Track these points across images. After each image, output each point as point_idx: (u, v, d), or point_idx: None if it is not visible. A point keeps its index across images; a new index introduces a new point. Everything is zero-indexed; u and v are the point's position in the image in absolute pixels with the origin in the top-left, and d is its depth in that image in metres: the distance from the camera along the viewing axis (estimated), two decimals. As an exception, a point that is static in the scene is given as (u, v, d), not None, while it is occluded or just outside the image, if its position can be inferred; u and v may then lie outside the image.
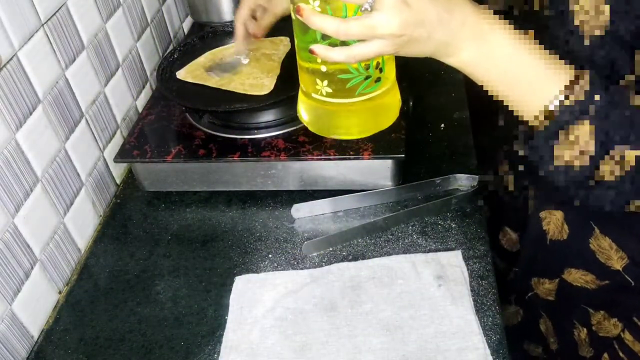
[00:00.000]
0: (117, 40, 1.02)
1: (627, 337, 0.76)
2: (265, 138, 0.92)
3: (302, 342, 0.73)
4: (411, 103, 1.00)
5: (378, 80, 0.63)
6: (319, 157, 0.88)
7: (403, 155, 0.87)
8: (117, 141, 1.02)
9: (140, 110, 1.09)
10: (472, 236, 0.83)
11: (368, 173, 0.90)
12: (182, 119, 0.99)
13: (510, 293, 0.92)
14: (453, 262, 0.80)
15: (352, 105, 0.64)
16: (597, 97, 0.54)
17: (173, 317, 0.79)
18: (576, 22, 0.59)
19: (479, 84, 0.59)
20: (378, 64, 0.61)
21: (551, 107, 0.55)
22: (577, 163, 0.56)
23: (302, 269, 0.82)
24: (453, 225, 0.85)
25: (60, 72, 0.87)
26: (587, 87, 0.54)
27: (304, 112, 0.69)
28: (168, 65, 1.03)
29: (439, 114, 1.04)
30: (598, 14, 0.58)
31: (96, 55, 0.96)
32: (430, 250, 0.82)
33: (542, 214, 0.80)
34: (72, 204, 0.89)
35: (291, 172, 0.91)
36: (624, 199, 0.58)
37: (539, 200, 0.81)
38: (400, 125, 0.91)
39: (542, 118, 0.56)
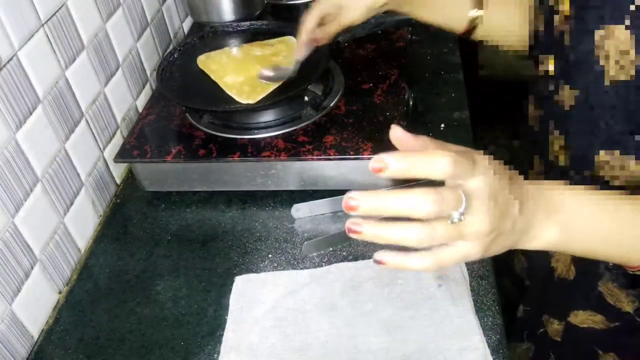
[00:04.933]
0: (117, 40, 1.02)
1: None
2: (265, 138, 0.92)
3: (302, 342, 0.73)
4: (411, 103, 1.00)
5: None
6: (319, 157, 0.88)
7: (403, 155, 0.87)
8: (117, 141, 1.02)
9: (140, 110, 1.09)
10: (472, 236, 0.83)
11: (368, 173, 0.89)
12: (182, 119, 0.99)
13: (521, 330, 0.90)
14: (453, 262, 0.79)
15: None
16: None
17: (173, 317, 0.79)
18: (601, 63, 0.59)
19: (579, 255, 0.56)
20: None
21: None
22: None
23: (302, 269, 0.82)
24: (453, 225, 0.85)
25: (60, 72, 0.87)
26: None
27: None
28: (168, 65, 1.03)
29: (439, 114, 1.04)
30: (625, 60, 0.57)
31: (96, 55, 0.96)
32: (430, 250, 0.82)
33: (551, 251, 0.78)
34: (72, 204, 0.89)
35: (291, 172, 0.91)
36: None
37: None
38: (401, 125, 0.91)
39: None
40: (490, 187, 0.46)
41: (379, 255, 0.48)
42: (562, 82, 0.66)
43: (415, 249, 0.47)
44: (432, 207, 0.45)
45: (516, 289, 0.93)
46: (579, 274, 0.75)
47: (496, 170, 0.48)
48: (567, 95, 0.66)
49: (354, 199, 0.46)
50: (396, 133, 0.49)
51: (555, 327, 0.82)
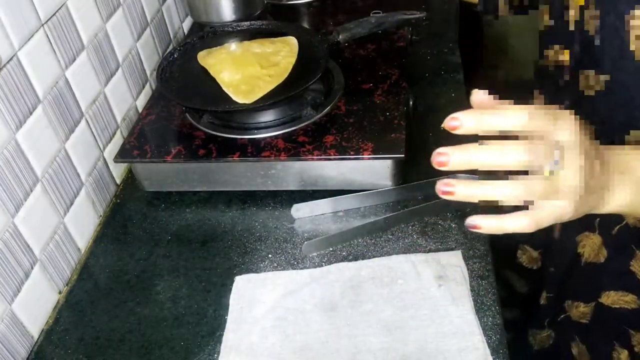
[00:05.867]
0: (117, 40, 1.02)
1: None
2: (265, 138, 0.92)
3: (302, 342, 0.73)
4: (411, 103, 1.00)
5: None
6: (319, 157, 0.88)
7: (403, 155, 0.87)
8: (117, 141, 1.02)
9: (140, 110, 1.09)
10: (472, 236, 0.83)
11: (368, 173, 0.90)
12: (182, 119, 0.99)
13: (543, 317, 0.91)
14: (453, 262, 0.80)
15: None
16: None
17: (173, 317, 0.79)
18: (632, 47, 0.60)
19: None
20: None
21: None
22: None
23: (302, 269, 0.82)
24: (453, 225, 0.85)
25: (60, 72, 0.87)
26: None
27: None
28: (168, 65, 1.03)
29: (439, 114, 1.03)
30: None
31: (96, 55, 0.96)
32: (430, 250, 0.82)
33: (578, 237, 0.78)
34: (72, 204, 0.89)
35: (291, 172, 0.91)
36: None
37: (572, 227, 0.78)
38: (400, 125, 0.91)
39: None
40: (581, 142, 0.46)
41: (473, 219, 0.48)
42: (586, 68, 0.67)
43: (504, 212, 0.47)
44: (523, 156, 0.44)
45: (528, 279, 0.93)
46: (611, 256, 0.75)
47: (582, 127, 0.47)
48: (592, 81, 0.67)
49: (444, 154, 0.46)
50: (478, 96, 0.49)
51: (581, 310, 0.82)
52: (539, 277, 0.90)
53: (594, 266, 0.77)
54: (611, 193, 0.51)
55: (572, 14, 0.67)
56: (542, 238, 0.86)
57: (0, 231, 0.74)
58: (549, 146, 0.45)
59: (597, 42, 0.65)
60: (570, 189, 0.46)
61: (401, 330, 0.73)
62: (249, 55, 1.01)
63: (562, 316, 0.85)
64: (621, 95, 0.65)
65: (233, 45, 1.06)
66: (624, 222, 0.71)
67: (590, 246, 0.77)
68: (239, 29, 1.11)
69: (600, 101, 0.67)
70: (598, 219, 0.73)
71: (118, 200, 0.99)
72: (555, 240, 0.83)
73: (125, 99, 1.06)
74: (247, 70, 0.98)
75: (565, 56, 0.70)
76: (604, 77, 0.66)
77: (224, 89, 0.95)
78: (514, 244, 0.94)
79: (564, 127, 0.46)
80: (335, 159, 0.88)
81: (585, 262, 0.78)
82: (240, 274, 0.82)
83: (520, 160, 0.44)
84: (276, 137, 0.92)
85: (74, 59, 0.90)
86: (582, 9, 0.66)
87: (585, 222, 0.74)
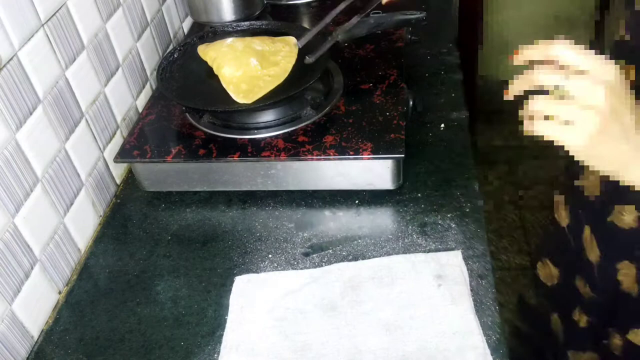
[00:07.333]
0: (117, 40, 1.02)
1: None
2: (265, 138, 0.92)
3: (302, 342, 0.73)
4: (411, 103, 1.01)
5: None
6: (319, 157, 0.88)
7: (403, 155, 0.87)
8: (117, 141, 1.02)
9: (140, 110, 1.09)
10: (472, 236, 0.84)
11: (368, 173, 0.90)
12: (182, 119, 0.99)
13: (584, 340, 0.90)
14: (453, 261, 0.80)
15: None
16: None
17: (173, 317, 0.79)
18: None
19: None
20: None
21: None
22: None
23: (302, 269, 0.82)
24: (453, 225, 0.85)
25: (60, 72, 0.87)
26: None
27: None
28: (168, 65, 1.03)
29: (439, 114, 1.04)
30: None
31: (96, 55, 0.96)
32: (430, 250, 0.82)
33: (619, 265, 0.78)
34: (72, 204, 0.89)
35: (291, 172, 0.91)
36: None
37: (610, 251, 0.79)
38: (400, 125, 0.92)
39: None
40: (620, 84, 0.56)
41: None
42: None
43: None
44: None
45: (541, 295, 0.93)
46: None
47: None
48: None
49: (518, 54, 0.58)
50: None
51: (616, 341, 0.82)
52: (554, 294, 0.89)
53: (629, 297, 0.77)
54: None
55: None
56: (568, 256, 0.85)
57: (0, 231, 0.74)
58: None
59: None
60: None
61: (401, 330, 0.73)
62: (249, 51, 1.01)
63: (605, 341, 0.84)
64: None
65: (235, 40, 1.05)
66: None
67: (630, 276, 0.77)
68: (239, 29, 1.11)
69: None
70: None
71: (118, 200, 0.99)
72: (595, 265, 0.83)
73: (125, 99, 1.06)
74: (249, 67, 0.97)
75: None
76: None
77: (224, 86, 0.95)
78: (538, 254, 0.93)
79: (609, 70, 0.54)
80: (334, 159, 0.88)
81: (622, 291, 0.78)
82: (240, 274, 0.82)
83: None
84: (276, 137, 0.92)
85: (74, 59, 0.90)
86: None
87: (626, 251, 0.75)
